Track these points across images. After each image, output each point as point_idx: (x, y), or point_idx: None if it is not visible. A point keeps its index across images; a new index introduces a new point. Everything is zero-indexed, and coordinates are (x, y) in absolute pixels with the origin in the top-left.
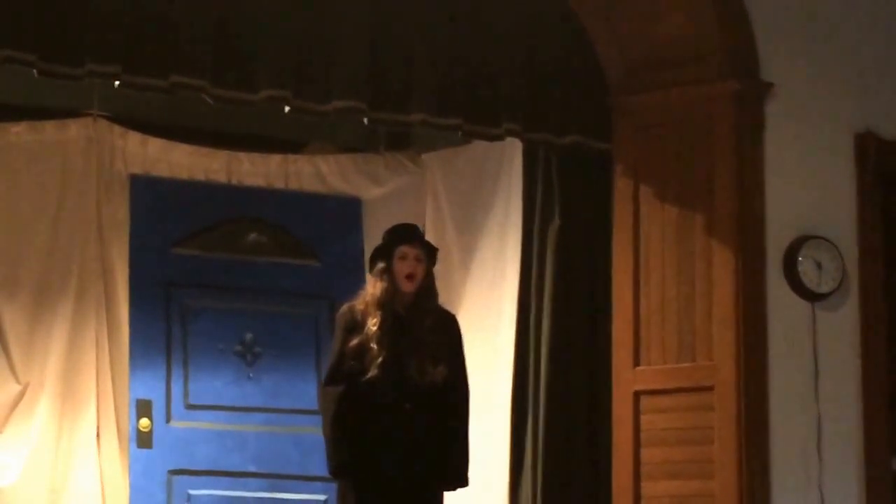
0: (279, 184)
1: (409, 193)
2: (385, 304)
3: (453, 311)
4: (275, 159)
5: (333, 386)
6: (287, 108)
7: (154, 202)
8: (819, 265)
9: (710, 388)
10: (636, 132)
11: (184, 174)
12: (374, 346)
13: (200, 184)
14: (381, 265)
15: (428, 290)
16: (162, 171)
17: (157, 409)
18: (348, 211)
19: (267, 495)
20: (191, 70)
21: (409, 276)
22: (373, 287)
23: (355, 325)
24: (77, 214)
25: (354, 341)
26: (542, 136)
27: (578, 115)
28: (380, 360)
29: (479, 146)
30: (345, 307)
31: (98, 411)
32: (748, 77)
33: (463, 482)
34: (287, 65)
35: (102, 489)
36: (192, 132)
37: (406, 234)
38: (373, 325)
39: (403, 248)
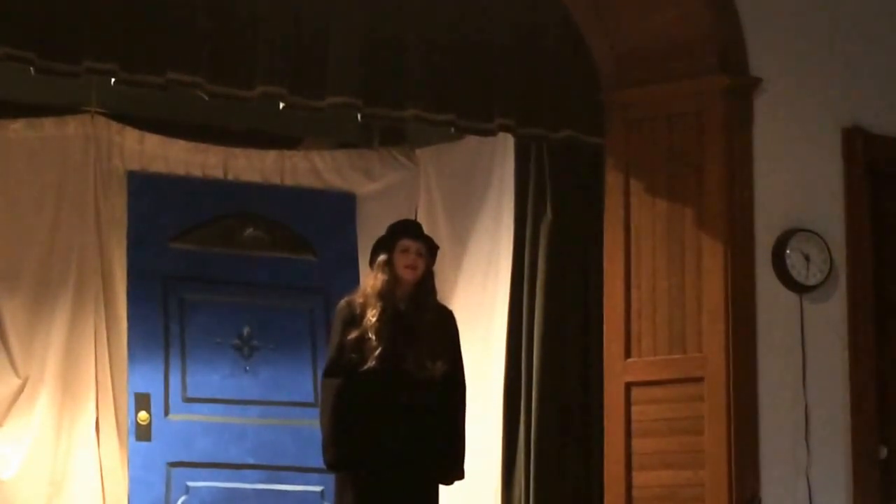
0: (275, 179)
1: (403, 188)
2: (385, 295)
3: (446, 304)
4: (270, 155)
5: (333, 378)
6: (282, 105)
7: (151, 198)
8: (807, 258)
9: (699, 379)
10: (627, 126)
11: (181, 170)
12: (372, 336)
13: (197, 179)
14: (382, 257)
15: (427, 286)
16: (159, 167)
17: (156, 402)
18: (343, 206)
19: (264, 487)
20: (187, 67)
21: (410, 267)
22: (373, 279)
23: (354, 319)
24: (76, 210)
25: (354, 333)
26: (535, 131)
27: (571, 110)
28: (378, 351)
29: (472, 141)
30: (343, 302)
31: (97, 405)
32: (737, 72)
33: (459, 474)
34: (282, 61)
35: (102, 482)
36: (188, 128)
37: (409, 229)
38: (372, 316)
39: (406, 242)
